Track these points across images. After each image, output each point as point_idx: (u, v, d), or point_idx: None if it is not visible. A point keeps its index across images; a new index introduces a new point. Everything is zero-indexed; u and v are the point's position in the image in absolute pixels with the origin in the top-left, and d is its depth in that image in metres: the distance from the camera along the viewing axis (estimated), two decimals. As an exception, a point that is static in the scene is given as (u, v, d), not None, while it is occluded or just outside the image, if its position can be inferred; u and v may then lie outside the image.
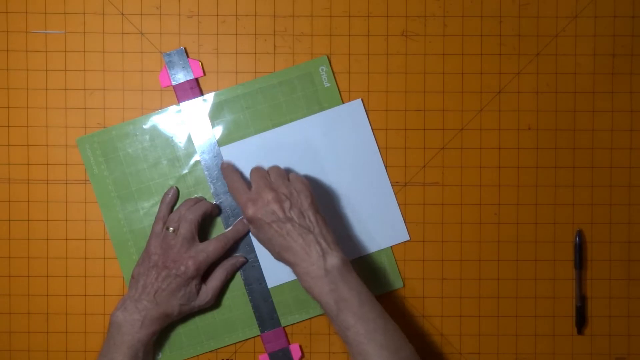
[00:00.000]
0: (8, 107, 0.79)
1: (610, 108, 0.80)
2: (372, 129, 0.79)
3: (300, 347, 0.79)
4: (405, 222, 0.79)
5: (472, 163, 0.79)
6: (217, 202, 0.78)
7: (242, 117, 0.78)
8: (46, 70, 0.79)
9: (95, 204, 0.79)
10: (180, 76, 0.78)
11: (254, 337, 0.79)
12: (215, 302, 0.77)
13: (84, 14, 0.79)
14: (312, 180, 0.78)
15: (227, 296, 0.78)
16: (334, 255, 0.68)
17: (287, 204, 0.69)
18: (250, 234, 0.78)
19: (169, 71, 0.78)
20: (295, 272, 0.69)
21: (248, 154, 0.78)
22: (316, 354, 0.79)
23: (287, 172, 0.74)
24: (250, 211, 0.70)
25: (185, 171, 0.78)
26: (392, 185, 0.79)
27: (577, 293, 0.79)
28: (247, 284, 0.78)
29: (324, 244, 0.68)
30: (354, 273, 0.69)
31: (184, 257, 0.73)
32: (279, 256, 0.70)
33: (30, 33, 0.79)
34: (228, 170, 0.74)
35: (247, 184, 0.73)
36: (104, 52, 0.79)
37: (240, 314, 0.78)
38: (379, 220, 0.79)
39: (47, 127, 0.79)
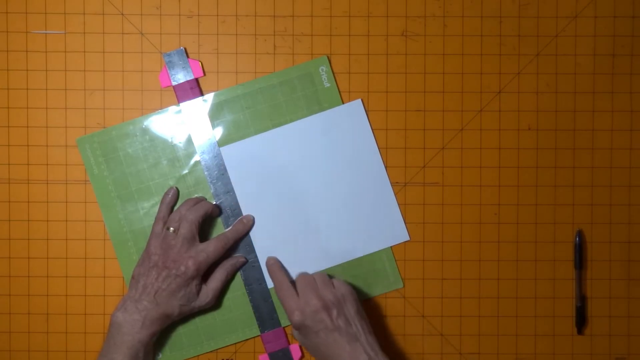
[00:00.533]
0: (8, 107, 0.79)
1: (610, 108, 0.80)
2: (372, 129, 0.79)
3: (301, 347, 0.79)
4: (405, 222, 0.79)
5: (472, 163, 0.79)
6: (217, 202, 0.78)
7: (242, 117, 0.78)
8: (46, 70, 0.79)
9: (95, 204, 0.79)
10: (180, 76, 0.78)
11: (254, 337, 0.79)
12: (216, 302, 0.77)
13: (84, 14, 0.79)
14: (313, 180, 0.78)
15: (227, 296, 0.78)
16: None
17: (334, 312, 0.69)
18: (250, 234, 0.78)
19: (169, 71, 0.78)
20: None
21: (248, 154, 0.78)
22: (316, 354, 0.79)
23: (330, 277, 0.74)
24: (298, 318, 0.70)
25: (185, 171, 0.78)
26: (392, 185, 0.79)
27: (577, 293, 0.79)
28: (247, 284, 0.78)
29: (371, 353, 0.68)
30: None
31: (184, 257, 0.73)
32: None
33: (30, 33, 0.79)
34: (274, 269, 0.75)
35: (292, 281, 0.74)
36: (104, 52, 0.79)
37: (240, 314, 0.78)
38: (379, 220, 0.79)
39: (47, 127, 0.79)
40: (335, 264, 0.79)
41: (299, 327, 0.70)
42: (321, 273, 0.74)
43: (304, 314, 0.69)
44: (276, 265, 0.75)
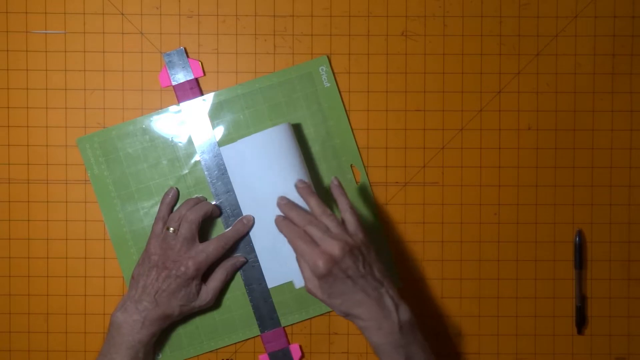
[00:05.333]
0: (8, 107, 0.79)
1: (610, 108, 0.80)
2: (370, 129, 0.79)
3: (300, 347, 0.79)
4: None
5: (472, 163, 0.79)
6: (217, 202, 0.78)
7: (242, 117, 0.78)
8: (46, 70, 0.79)
9: (95, 204, 0.79)
10: (180, 76, 0.78)
11: (254, 337, 0.79)
12: (215, 302, 0.77)
13: (84, 14, 0.79)
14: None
15: (227, 296, 0.78)
16: (405, 309, 0.68)
17: (360, 259, 0.67)
18: (250, 234, 0.78)
19: (169, 71, 0.78)
20: (364, 326, 0.67)
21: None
22: (316, 354, 0.79)
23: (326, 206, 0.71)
24: (324, 268, 0.66)
25: (186, 171, 0.78)
26: (391, 185, 0.79)
27: (577, 293, 0.79)
28: (247, 284, 0.78)
29: (395, 298, 0.68)
30: (418, 327, 0.69)
31: (184, 257, 0.73)
32: (348, 311, 0.67)
33: (30, 33, 0.79)
34: (285, 224, 0.70)
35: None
36: (104, 52, 0.79)
37: (240, 314, 0.78)
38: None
39: (47, 127, 0.79)
40: (335, 264, 0.78)
41: (325, 276, 0.66)
42: (332, 214, 0.69)
43: (329, 262, 0.65)
44: (283, 219, 0.71)
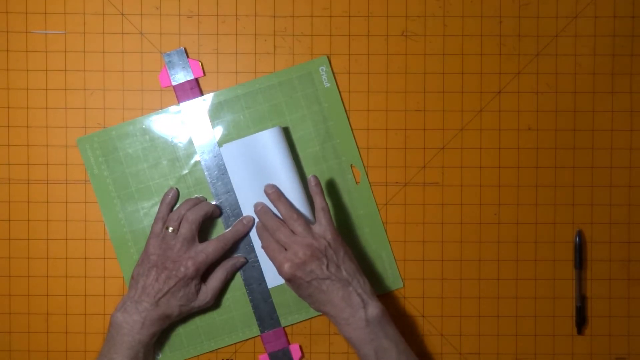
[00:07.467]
0: (8, 107, 0.79)
1: (610, 108, 0.80)
2: (370, 129, 0.79)
3: (300, 347, 0.79)
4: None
5: (472, 163, 0.79)
6: (217, 202, 0.78)
7: (242, 117, 0.78)
8: (46, 70, 0.79)
9: (95, 204, 0.79)
10: (180, 76, 0.78)
11: (254, 337, 0.79)
12: (215, 302, 0.77)
13: (84, 14, 0.79)
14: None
15: (227, 296, 0.78)
16: (374, 306, 0.70)
17: (324, 261, 0.70)
18: (250, 234, 0.78)
19: (169, 71, 0.78)
20: (334, 322, 0.70)
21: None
22: (316, 354, 0.79)
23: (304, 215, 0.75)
24: (289, 272, 0.70)
25: (186, 171, 0.78)
26: (391, 184, 0.79)
27: (577, 293, 0.79)
28: (247, 284, 0.78)
29: (364, 295, 0.70)
30: (392, 323, 0.71)
31: (184, 257, 0.73)
32: (318, 309, 0.72)
33: (30, 33, 0.79)
34: (260, 231, 0.75)
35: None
36: (104, 52, 0.79)
37: (240, 314, 0.78)
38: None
39: (47, 127, 0.79)
40: (335, 264, 0.79)
41: (290, 280, 0.71)
42: (299, 217, 0.72)
43: (293, 266, 0.70)
44: (262, 226, 0.75)
